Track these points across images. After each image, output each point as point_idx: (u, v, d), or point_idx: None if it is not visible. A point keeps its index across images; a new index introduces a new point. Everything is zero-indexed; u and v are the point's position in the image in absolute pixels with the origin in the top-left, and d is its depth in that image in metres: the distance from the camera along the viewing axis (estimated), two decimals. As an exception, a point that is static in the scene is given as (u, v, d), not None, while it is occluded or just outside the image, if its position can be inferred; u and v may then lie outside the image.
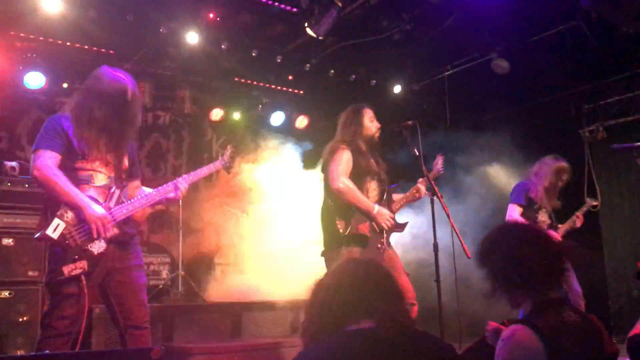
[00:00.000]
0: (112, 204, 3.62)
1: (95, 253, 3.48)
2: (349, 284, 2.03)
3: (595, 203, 6.52)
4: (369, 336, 1.89)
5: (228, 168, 4.38)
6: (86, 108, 3.62)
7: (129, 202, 3.71)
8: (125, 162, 3.79)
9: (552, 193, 5.90)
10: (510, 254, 2.31)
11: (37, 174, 3.45)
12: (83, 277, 3.42)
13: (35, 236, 3.45)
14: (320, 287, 2.09)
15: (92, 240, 3.47)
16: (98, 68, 3.77)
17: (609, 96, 7.64)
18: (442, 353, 1.99)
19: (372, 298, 1.98)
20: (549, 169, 5.90)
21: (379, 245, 4.50)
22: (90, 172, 3.59)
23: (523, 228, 2.56)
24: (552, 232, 5.73)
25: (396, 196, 4.83)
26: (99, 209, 3.49)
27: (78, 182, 3.52)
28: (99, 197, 3.58)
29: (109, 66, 3.80)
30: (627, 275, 7.32)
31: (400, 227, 4.70)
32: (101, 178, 3.63)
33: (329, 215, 4.56)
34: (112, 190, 3.65)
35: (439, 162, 4.98)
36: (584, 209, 6.27)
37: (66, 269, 3.37)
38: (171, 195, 3.89)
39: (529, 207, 5.82)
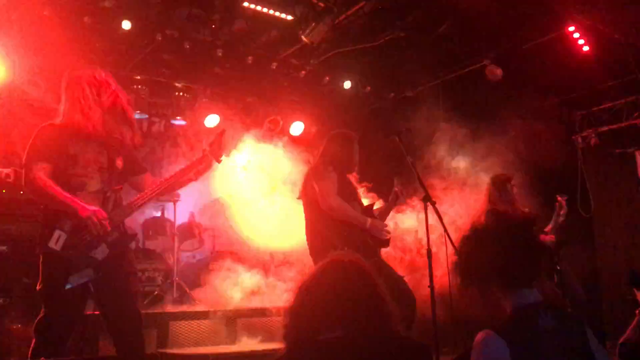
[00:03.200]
0: (108, 208, 3.62)
1: (100, 259, 3.50)
2: (324, 291, 2.01)
3: (564, 197, 6.44)
4: (335, 346, 1.87)
5: (218, 157, 4.01)
6: (76, 114, 3.66)
7: (124, 205, 3.71)
8: (119, 163, 3.80)
9: (514, 207, 5.89)
10: (487, 250, 2.28)
11: (30, 186, 3.48)
12: (90, 285, 3.43)
13: (38, 252, 3.45)
14: (299, 293, 2.08)
15: (94, 246, 3.48)
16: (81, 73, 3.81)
17: (602, 103, 7.69)
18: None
19: (345, 307, 1.96)
20: (490, 187, 6.01)
21: (375, 258, 4.55)
22: (83, 179, 3.60)
23: (502, 223, 2.43)
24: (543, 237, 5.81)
25: (378, 209, 4.95)
26: (94, 210, 3.49)
27: (71, 190, 3.53)
28: (94, 202, 3.58)
29: (104, 72, 3.83)
30: (621, 280, 7.35)
31: (385, 243, 4.77)
32: (94, 184, 3.64)
33: (325, 227, 4.57)
34: (108, 194, 3.66)
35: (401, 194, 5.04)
36: (557, 209, 6.29)
37: (73, 279, 3.38)
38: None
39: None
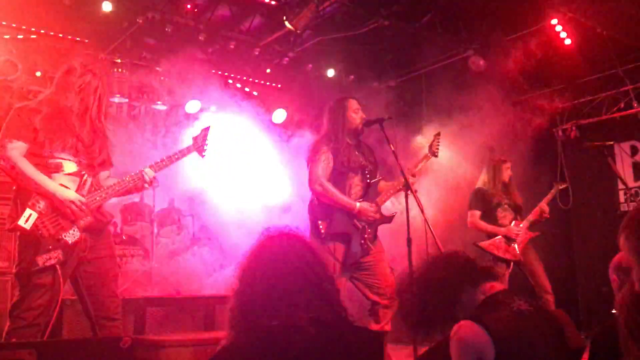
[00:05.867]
0: (84, 191, 3.59)
1: (70, 242, 3.46)
2: (259, 269, 1.84)
3: (562, 186, 6.60)
4: (278, 334, 1.73)
5: (201, 151, 4.12)
6: (58, 98, 3.64)
7: (101, 189, 3.68)
8: (96, 150, 3.76)
9: (502, 186, 6.05)
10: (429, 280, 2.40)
11: (4, 164, 3.43)
12: (58, 267, 3.39)
13: (7, 228, 3.41)
14: (243, 277, 1.89)
15: (65, 229, 3.45)
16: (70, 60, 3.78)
17: (583, 96, 7.75)
18: (362, 346, 1.85)
19: (284, 288, 1.79)
20: (485, 165, 6.19)
21: (362, 242, 4.53)
22: (59, 161, 3.56)
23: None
24: (511, 228, 5.90)
25: (383, 187, 4.85)
26: (69, 192, 3.47)
27: (47, 171, 3.49)
28: (70, 185, 3.55)
29: (83, 55, 3.80)
30: (597, 272, 7.44)
31: (387, 219, 4.73)
32: (71, 166, 3.60)
33: (312, 213, 4.64)
34: (85, 177, 3.62)
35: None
36: (551, 194, 6.32)
37: (40, 259, 3.34)
38: (140, 184, 3.81)
39: (488, 209, 5.98)
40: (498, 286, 2.32)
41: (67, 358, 2.43)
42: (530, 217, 6.05)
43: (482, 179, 6.16)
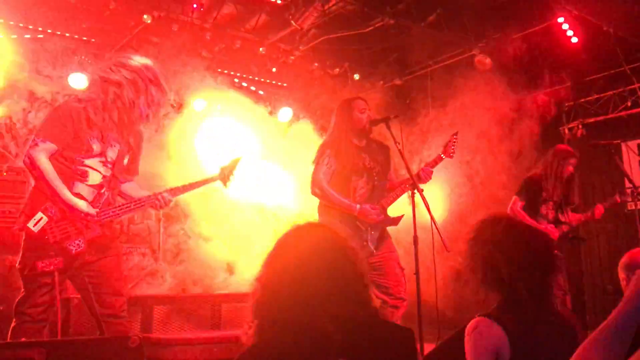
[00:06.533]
0: (99, 204, 3.58)
1: (73, 252, 3.45)
2: (293, 270, 1.77)
3: (621, 199, 6.02)
4: (308, 333, 1.68)
5: (226, 181, 3.98)
6: (100, 99, 3.59)
7: (116, 206, 3.66)
8: (126, 160, 3.74)
9: (559, 182, 5.66)
10: (497, 248, 2.25)
11: (27, 162, 3.42)
12: (56, 274, 3.38)
13: (16, 227, 3.41)
14: (264, 264, 1.85)
15: (71, 238, 3.44)
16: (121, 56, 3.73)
17: (589, 94, 7.72)
18: (395, 345, 1.80)
19: (314, 278, 1.73)
20: (550, 154, 5.73)
21: (364, 244, 4.52)
22: (87, 169, 3.53)
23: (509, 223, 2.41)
24: (546, 227, 5.67)
25: (392, 188, 4.80)
26: (81, 204, 3.45)
27: (72, 177, 3.48)
28: (88, 196, 3.53)
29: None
30: (603, 271, 7.43)
31: (393, 221, 4.69)
32: (96, 177, 3.57)
33: (319, 214, 4.66)
34: (103, 190, 3.61)
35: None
36: (607, 204, 5.96)
37: (40, 264, 3.33)
38: (156, 207, 3.76)
39: (533, 200, 5.66)
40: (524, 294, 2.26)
41: (76, 357, 2.43)
42: (573, 221, 5.80)
43: (539, 169, 5.75)
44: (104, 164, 3.60)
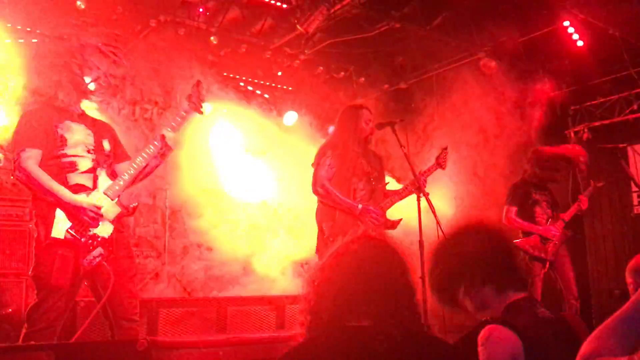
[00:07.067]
0: (99, 186, 3.59)
1: (107, 236, 3.50)
2: (349, 272, 1.82)
3: (600, 184, 6.33)
4: (366, 333, 1.73)
5: (199, 108, 3.87)
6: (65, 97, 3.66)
7: (119, 177, 3.66)
8: (106, 145, 3.76)
9: (546, 179, 5.88)
10: (472, 254, 2.27)
11: (21, 176, 3.44)
12: (105, 263, 3.43)
13: (44, 245, 3.39)
14: (321, 274, 1.89)
15: (97, 226, 3.47)
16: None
17: (595, 98, 7.71)
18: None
19: (372, 296, 1.77)
20: (527, 159, 5.95)
21: None
22: (73, 159, 3.56)
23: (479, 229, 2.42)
24: (545, 228, 5.75)
25: (390, 193, 4.86)
26: (83, 200, 3.46)
27: (63, 170, 3.50)
28: (86, 182, 3.56)
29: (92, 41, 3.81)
30: (610, 274, 7.40)
31: (391, 224, 4.73)
32: (85, 163, 3.60)
33: (319, 215, 4.71)
34: (98, 172, 3.62)
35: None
36: (588, 191, 6.17)
37: (86, 261, 3.37)
38: (165, 151, 3.73)
39: (524, 204, 5.79)
40: (519, 294, 2.29)
41: (84, 360, 2.45)
42: (566, 217, 5.87)
43: (522, 174, 5.96)
44: (87, 151, 3.62)
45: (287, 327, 5.92)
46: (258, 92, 8.50)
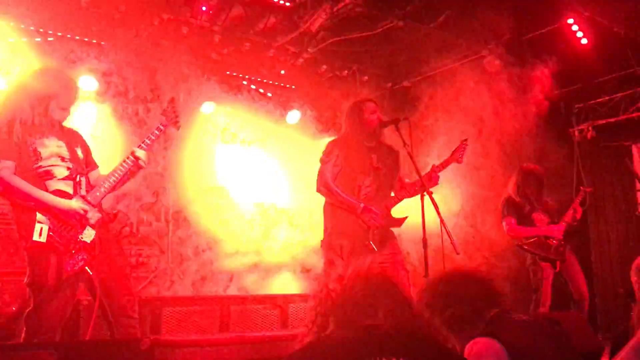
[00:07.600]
0: (82, 191, 3.61)
1: (89, 242, 3.49)
2: (366, 287, 2.02)
3: (589, 189, 6.42)
4: (379, 329, 1.88)
5: (176, 123, 4.03)
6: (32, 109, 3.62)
7: (99, 185, 3.68)
8: (79, 153, 3.77)
9: (534, 194, 5.92)
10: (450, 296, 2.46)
11: None
12: (87, 268, 3.42)
13: (24, 248, 3.40)
14: (344, 288, 2.06)
15: (80, 231, 3.46)
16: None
17: (600, 96, 7.68)
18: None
19: (384, 299, 1.96)
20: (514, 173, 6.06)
21: (366, 243, 4.52)
22: (49, 168, 3.56)
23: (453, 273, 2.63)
24: (548, 228, 5.75)
25: (399, 190, 4.81)
26: (69, 202, 3.48)
27: (40, 180, 3.50)
28: (67, 188, 3.56)
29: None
30: (614, 273, 7.38)
31: (396, 222, 4.70)
32: (61, 171, 3.60)
33: (324, 210, 4.72)
34: (78, 179, 3.63)
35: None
36: (580, 197, 6.18)
37: (69, 266, 3.36)
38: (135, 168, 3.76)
39: (521, 213, 5.85)
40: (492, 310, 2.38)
41: (86, 359, 2.45)
42: (567, 217, 5.89)
43: (510, 187, 6.02)
44: (61, 159, 3.62)
45: (290, 326, 5.91)
46: (261, 90, 8.47)
